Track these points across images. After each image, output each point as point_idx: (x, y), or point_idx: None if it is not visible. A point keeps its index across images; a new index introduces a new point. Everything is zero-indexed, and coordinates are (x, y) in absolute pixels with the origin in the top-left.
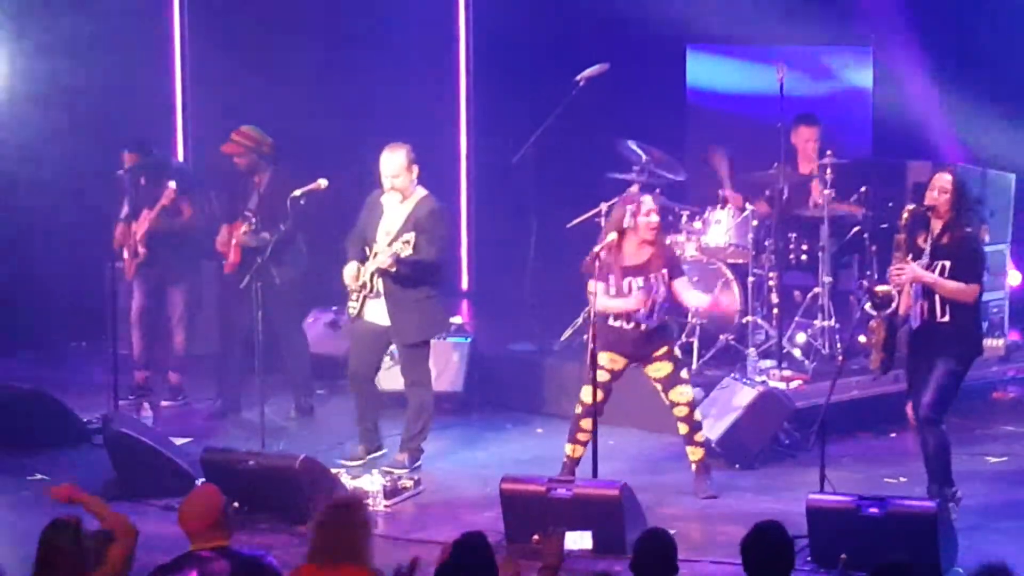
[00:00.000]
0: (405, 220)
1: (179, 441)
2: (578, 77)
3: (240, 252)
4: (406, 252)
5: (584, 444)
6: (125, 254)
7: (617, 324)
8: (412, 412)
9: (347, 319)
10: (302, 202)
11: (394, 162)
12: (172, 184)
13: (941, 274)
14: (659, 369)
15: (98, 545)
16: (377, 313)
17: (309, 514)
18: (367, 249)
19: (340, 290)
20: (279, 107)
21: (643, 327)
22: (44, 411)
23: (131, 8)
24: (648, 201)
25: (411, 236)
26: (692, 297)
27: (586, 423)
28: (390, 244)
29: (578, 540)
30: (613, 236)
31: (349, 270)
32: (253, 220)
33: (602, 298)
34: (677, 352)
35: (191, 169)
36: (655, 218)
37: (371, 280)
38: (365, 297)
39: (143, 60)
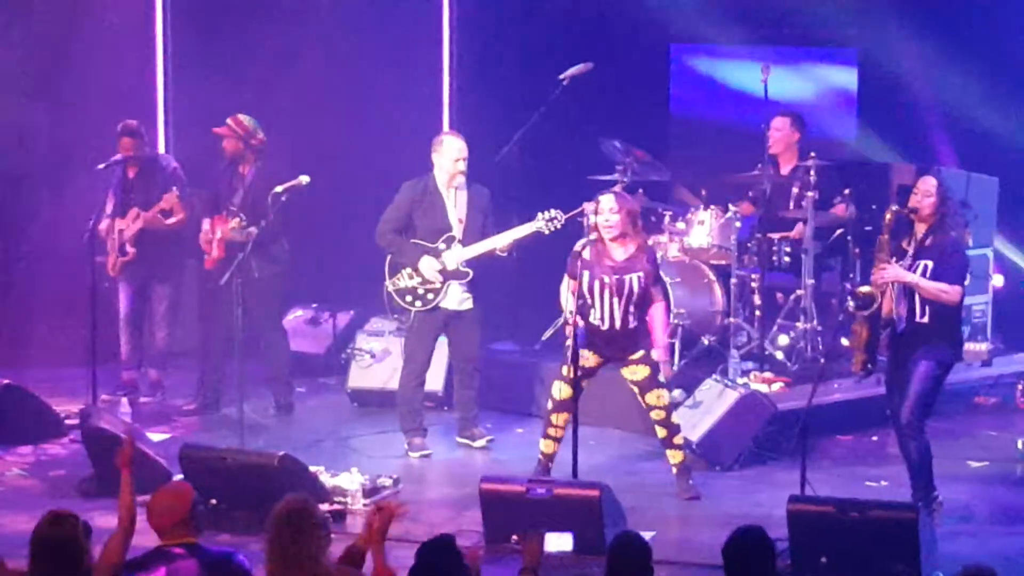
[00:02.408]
0: (469, 206)
1: (158, 437)
2: (561, 76)
3: (224, 247)
4: (545, 225)
5: (556, 440)
6: (109, 249)
7: (594, 322)
8: (479, 386)
9: (407, 316)
10: (283, 198)
11: (465, 147)
12: (175, 190)
13: (923, 274)
14: (636, 372)
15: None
16: (455, 299)
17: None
18: (423, 241)
19: (320, 287)
20: (262, 104)
21: (617, 327)
22: (19, 406)
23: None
24: (607, 200)
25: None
26: (657, 325)
27: (556, 418)
28: (463, 231)
29: (558, 542)
30: (595, 236)
31: (430, 263)
32: (241, 216)
33: (565, 294)
34: (655, 355)
35: (178, 166)
36: (613, 217)
37: (461, 267)
38: (449, 285)
39: (125, 53)
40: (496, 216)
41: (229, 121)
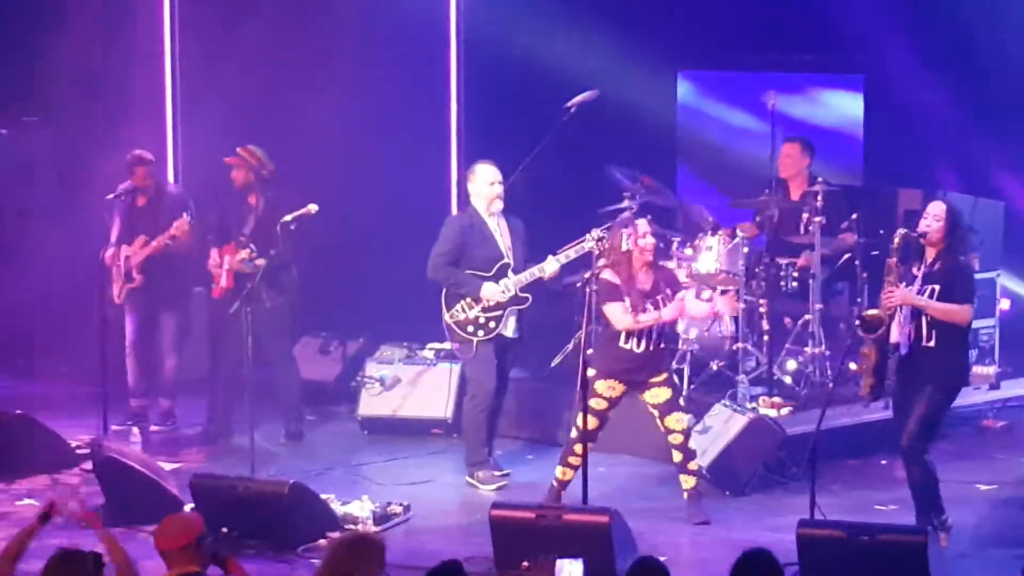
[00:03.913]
0: (511, 233)
1: (169, 466)
2: (569, 103)
3: (233, 277)
4: (596, 245)
5: (575, 468)
6: (114, 277)
7: (627, 346)
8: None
9: (468, 345)
10: (292, 227)
11: (499, 172)
12: (186, 215)
13: (931, 297)
14: (657, 395)
15: None
16: (512, 327)
17: (298, 540)
18: (478, 271)
19: (330, 315)
20: (271, 134)
21: (651, 349)
22: (31, 436)
23: (122, 29)
24: (643, 224)
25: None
26: (694, 306)
27: (579, 448)
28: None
29: (570, 568)
30: (603, 261)
31: (494, 289)
32: (252, 247)
33: (630, 318)
34: (675, 379)
35: (185, 193)
36: (651, 239)
37: (519, 293)
38: (510, 313)
39: (134, 83)
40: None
41: (240, 151)
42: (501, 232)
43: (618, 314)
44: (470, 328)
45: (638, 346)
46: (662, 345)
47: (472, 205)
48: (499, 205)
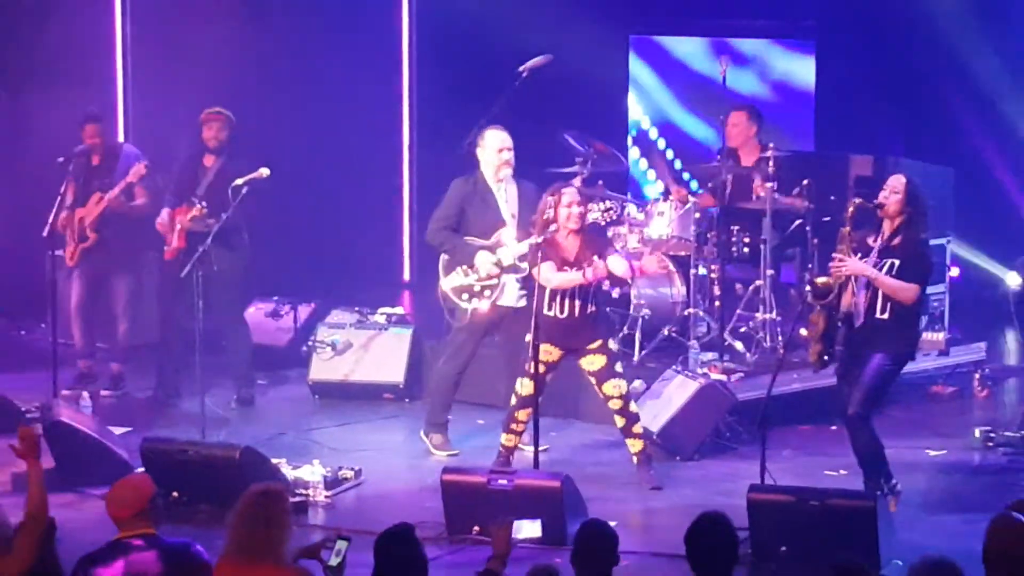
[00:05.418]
0: (519, 199)
1: (119, 430)
2: (521, 68)
3: (185, 237)
4: (602, 216)
5: (519, 434)
6: (68, 240)
7: (551, 314)
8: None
9: (465, 314)
10: (244, 191)
11: (508, 138)
12: (144, 162)
13: (888, 273)
14: (592, 362)
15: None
16: (512, 295)
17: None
18: (477, 237)
19: (281, 280)
20: (222, 96)
21: (576, 315)
22: None
23: None
24: (569, 192)
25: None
26: (616, 264)
27: (521, 414)
28: (516, 225)
29: (529, 529)
30: (553, 228)
31: (487, 259)
32: (203, 204)
33: (554, 274)
34: (612, 345)
35: (140, 152)
36: (576, 209)
37: (516, 262)
38: (506, 282)
39: (85, 45)
40: None
41: (223, 111)
42: (507, 198)
43: (545, 272)
44: (464, 296)
45: (561, 312)
46: (588, 311)
47: (480, 170)
48: (507, 172)
